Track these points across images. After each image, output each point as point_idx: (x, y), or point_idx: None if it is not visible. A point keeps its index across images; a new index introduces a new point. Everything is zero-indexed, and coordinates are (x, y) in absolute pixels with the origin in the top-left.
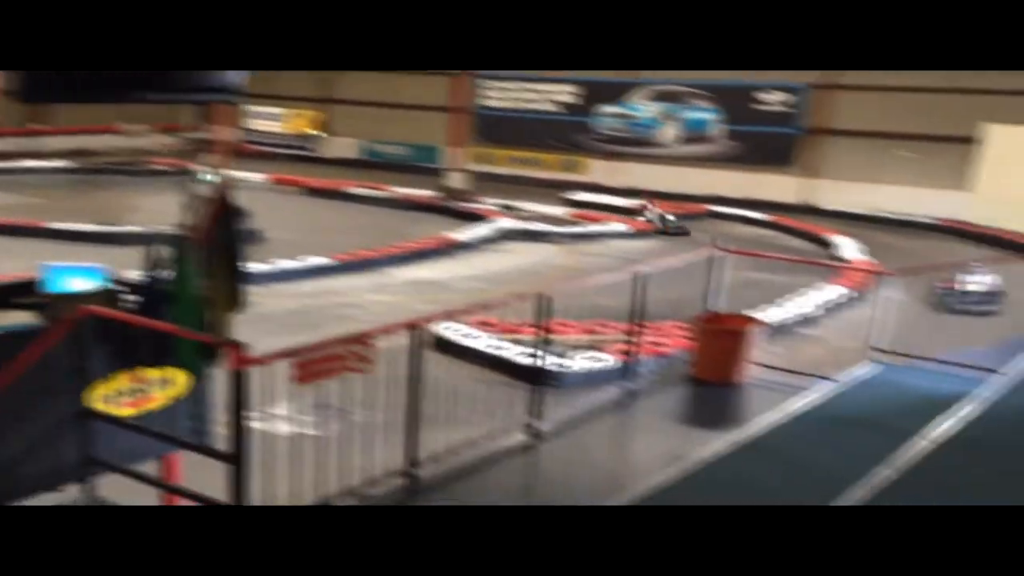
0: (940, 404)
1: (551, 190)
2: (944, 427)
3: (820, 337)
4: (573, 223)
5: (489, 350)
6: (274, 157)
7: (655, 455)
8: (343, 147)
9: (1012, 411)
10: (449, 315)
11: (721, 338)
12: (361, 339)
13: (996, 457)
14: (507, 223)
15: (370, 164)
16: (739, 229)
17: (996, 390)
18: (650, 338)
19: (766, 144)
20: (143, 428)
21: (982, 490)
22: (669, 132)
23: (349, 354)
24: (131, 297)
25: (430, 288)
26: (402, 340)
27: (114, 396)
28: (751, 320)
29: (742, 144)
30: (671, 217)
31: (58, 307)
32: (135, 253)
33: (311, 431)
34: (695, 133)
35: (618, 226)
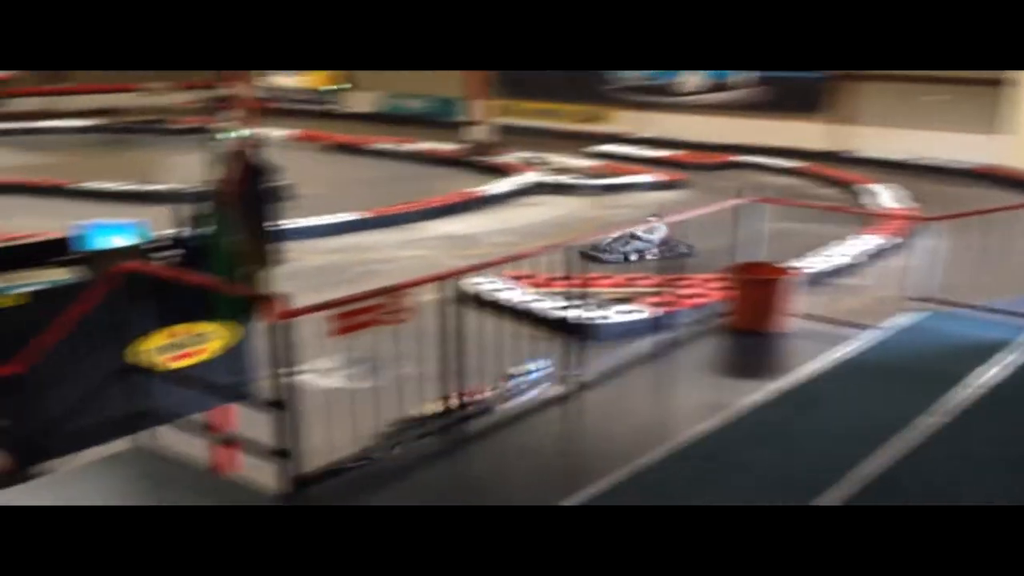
0: (984, 351)
1: (575, 142)
2: (989, 375)
3: (859, 286)
4: (599, 175)
5: (523, 304)
6: (294, 113)
7: (693, 404)
8: (364, 101)
9: None
10: (482, 268)
11: (757, 288)
12: (396, 291)
13: None
14: (533, 176)
15: (392, 118)
16: (767, 178)
17: None
18: (685, 289)
19: (792, 90)
20: (188, 381)
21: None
22: (691, 80)
23: (384, 306)
24: (166, 254)
25: (460, 242)
26: (436, 294)
27: (158, 351)
28: (787, 270)
29: (768, 90)
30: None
31: (97, 264)
32: (164, 211)
33: (350, 384)
34: (718, 80)
35: (646, 177)
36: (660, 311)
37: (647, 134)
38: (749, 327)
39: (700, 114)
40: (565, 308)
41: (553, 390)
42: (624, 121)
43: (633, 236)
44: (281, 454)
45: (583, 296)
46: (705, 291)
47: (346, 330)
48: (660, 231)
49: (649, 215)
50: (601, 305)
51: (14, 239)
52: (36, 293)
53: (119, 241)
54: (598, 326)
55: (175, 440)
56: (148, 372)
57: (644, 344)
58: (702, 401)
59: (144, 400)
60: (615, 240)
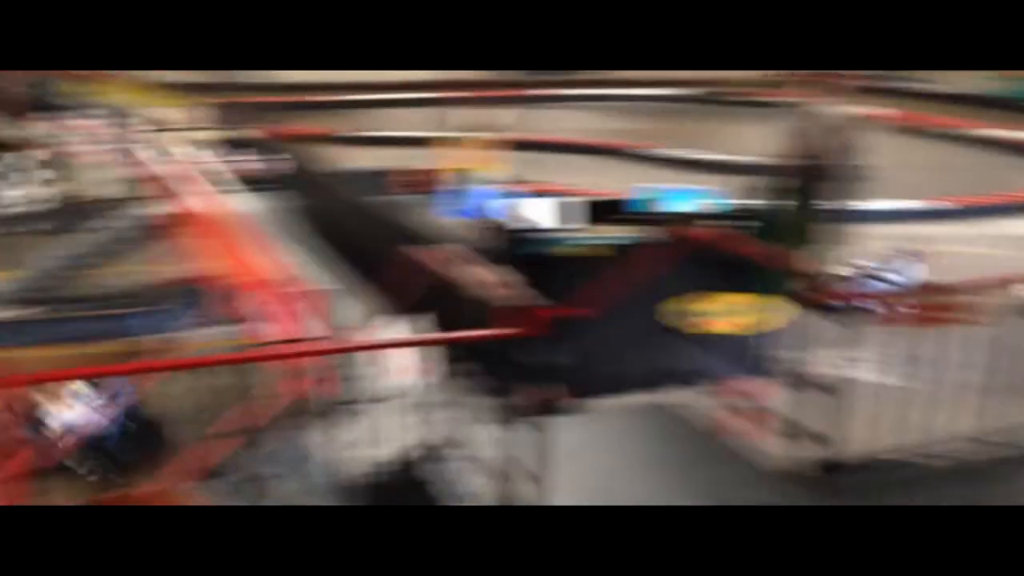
0: None
1: None
2: None
3: None
4: None
5: None
6: (884, 91)
7: None
8: (970, 82)
9: None
10: None
11: None
12: (976, 289)
13: None
14: None
15: (1002, 102)
16: None
17: None
18: None
19: None
20: (725, 348)
21: None
22: None
23: (953, 305)
24: (729, 222)
25: None
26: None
27: (704, 314)
28: None
29: None
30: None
31: (667, 225)
32: (731, 181)
33: (896, 381)
34: None
35: None
36: None
37: None
38: None
39: None
40: None
41: None
42: None
43: (871, 276)
44: (817, 437)
45: None
46: None
47: (926, 321)
48: (914, 272)
49: (902, 247)
50: None
51: (596, 195)
52: (616, 247)
53: (689, 206)
54: None
55: (701, 401)
56: (690, 333)
57: None
58: None
59: (682, 358)
60: (845, 279)
